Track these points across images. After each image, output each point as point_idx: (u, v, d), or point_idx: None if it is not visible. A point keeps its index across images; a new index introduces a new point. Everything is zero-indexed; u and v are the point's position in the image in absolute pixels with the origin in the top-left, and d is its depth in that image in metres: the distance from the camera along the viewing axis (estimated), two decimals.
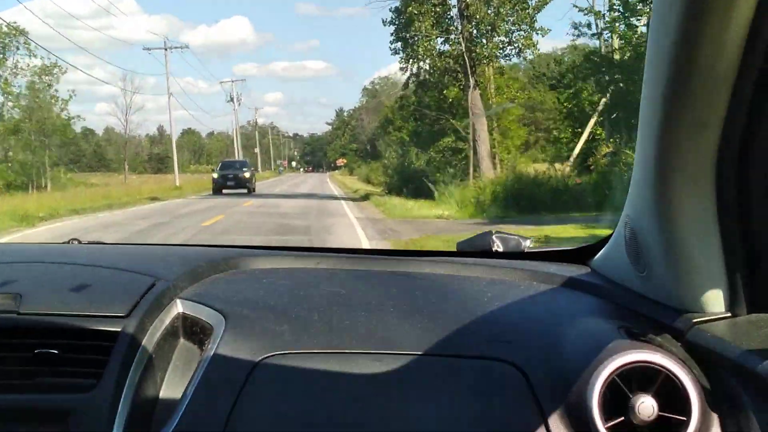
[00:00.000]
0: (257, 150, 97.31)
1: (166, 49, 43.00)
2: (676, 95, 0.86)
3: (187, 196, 32.89)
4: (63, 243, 1.76)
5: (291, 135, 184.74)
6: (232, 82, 69.30)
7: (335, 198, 29.53)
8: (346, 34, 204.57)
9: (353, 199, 28.07)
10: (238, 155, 69.80)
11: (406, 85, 28.01)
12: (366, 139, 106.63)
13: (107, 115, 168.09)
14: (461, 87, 24.16)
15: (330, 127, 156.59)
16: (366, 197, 28.15)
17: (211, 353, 1.13)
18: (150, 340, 1.17)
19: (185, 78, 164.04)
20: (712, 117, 0.87)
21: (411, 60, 24.89)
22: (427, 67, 24.81)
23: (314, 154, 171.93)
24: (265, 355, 1.11)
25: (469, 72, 21.97)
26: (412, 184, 26.07)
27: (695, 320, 1.00)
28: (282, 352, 1.12)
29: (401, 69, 25.92)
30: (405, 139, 36.37)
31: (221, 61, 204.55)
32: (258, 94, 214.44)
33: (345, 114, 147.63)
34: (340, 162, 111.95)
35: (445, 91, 26.17)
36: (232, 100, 69.09)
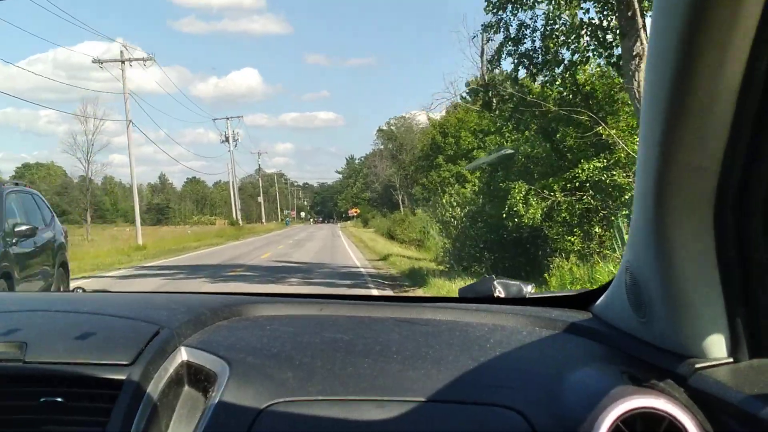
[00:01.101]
0: (260, 199, 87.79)
1: (123, 62, 35.47)
2: (673, 139, 0.86)
3: (123, 266, 21.86)
4: (67, 291, 1.39)
5: (300, 184, 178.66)
6: (227, 119, 60.14)
7: (358, 275, 17.79)
8: (356, 84, 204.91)
9: (392, 280, 16.33)
10: (235, 204, 60.42)
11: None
12: (380, 187, 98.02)
13: (118, 167, 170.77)
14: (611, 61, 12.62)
15: (340, 176, 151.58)
16: (410, 274, 17.00)
17: (216, 401, 1.13)
18: (155, 388, 1.17)
19: (197, 129, 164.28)
20: (709, 160, 0.86)
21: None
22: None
23: (324, 204, 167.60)
24: (270, 403, 1.11)
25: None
26: (506, 254, 15.62)
27: (698, 365, 0.99)
28: (286, 399, 1.11)
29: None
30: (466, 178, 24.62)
31: (231, 111, 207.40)
32: (268, 144, 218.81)
33: (356, 162, 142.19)
34: (353, 212, 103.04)
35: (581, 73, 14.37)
36: (227, 140, 60.16)
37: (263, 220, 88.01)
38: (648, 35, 0.82)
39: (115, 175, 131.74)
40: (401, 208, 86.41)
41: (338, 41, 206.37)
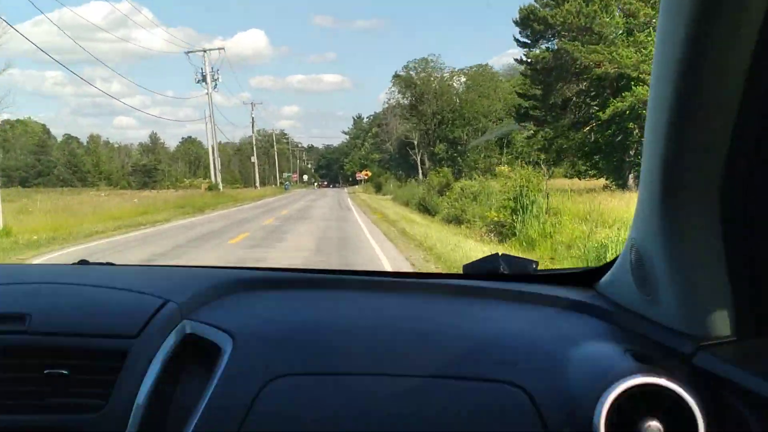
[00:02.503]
0: (254, 159, 74.29)
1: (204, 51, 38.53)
2: (681, 119, 0.85)
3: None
4: (72, 264, 1.72)
5: (305, 146, 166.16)
6: (204, 52, 45.46)
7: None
8: (363, 47, 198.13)
9: None
10: (214, 164, 46.97)
11: None
12: (394, 147, 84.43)
13: (127, 129, 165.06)
14: None
15: (347, 137, 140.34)
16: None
17: (219, 373, 1.13)
18: (159, 361, 1.17)
19: (203, 91, 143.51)
20: (717, 141, 0.86)
21: None
22: None
23: (329, 167, 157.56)
24: (273, 377, 1.11)
25: None
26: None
27: (702, 344, 0.99)
28: (289, 373, 1.11)
29: None
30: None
31: (238, 74, 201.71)
32: (275, 107, 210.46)
33: (364, 121, 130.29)
34: (362, 175, 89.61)
35: None
36: (203, 79, 46.39)
37: (257, 184, 74.43)
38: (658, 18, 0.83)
39: (123, 139, 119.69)
40: (419, 170, 73.30)
41: (345, 2, 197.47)
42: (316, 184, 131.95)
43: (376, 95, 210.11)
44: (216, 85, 46.37)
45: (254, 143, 75.11)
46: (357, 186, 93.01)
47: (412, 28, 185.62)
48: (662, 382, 0.93)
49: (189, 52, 45.08)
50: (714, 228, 0.92)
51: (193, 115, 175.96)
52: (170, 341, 1.21)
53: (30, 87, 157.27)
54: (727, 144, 0.85)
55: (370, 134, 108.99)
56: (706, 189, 0.90)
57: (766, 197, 0.90)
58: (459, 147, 63.78)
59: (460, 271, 1.61)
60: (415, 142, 69.28)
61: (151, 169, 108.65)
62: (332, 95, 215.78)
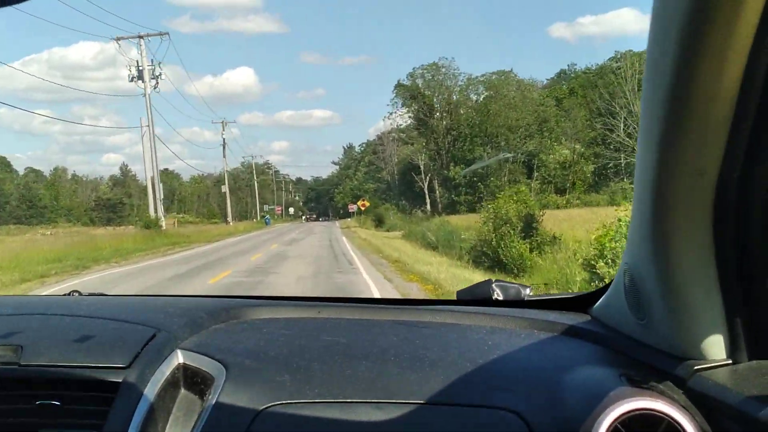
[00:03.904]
0: (225, 189, 60.51)
1: (141, 37, 31.26)
2: (672, 143, 0.84)
3: None
4: (64, 295, 1.71)
5: (293, 179, 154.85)
6: (140, 38, 31.48)
7: None
8: (351, 83, 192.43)
9: None
10: (155, 193, 33.22)
11: None
12: (392, 174, 71.21)
13: (115, 166, 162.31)
14: None
15: (337, 168, 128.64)
16: None
17: (212, 403, 1.11)
18: (151, 391, 1.14)
19: (192, 128, 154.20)
20: (707, 164, 0.85)
21: None
22: None
23: (319, 200, 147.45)
24: (266, 405, 1.09)
25: None
26: None
27: (696, 367, 0.98)
28: (283, 402, 1.09)
29: None
30: None
31: (227, 110, 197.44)
32: (264, 143, 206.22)
33: (356, 150, 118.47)
34: (355, 207, 76.11)
35: None
36: (139, 76, 32.37)
37: (229, 218, 60.39)
38: (647, 39, 0.85)
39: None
40: (427, 199, 59.65)
41: (333, 40, 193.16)
42: (303, 217, 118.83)
43: (366, 130, 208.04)
44: (157, 82, 32.98)
45: (225, 169, 61.19)
46: (350, 219, 79.79)
47: (402, 64, 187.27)
48: (658, 406, 0.92)
49: (120, 38, 31.26)
50: (706, 252, 0.91)
51: (182, 152, 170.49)
52: (162, 371, 1.18)
53: (18, 126, 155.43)
54: (718, 169, 0.85)
55: (362, 163, 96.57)
56: (697, 214, 0.89)
57: (757, 221, 0.89)
58: (479, 170, 50.35)
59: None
60: (422, 166, 55.87)
61: (115, 203, 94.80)
62: (322, 130, 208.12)
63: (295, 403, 1.08)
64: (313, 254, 20.81)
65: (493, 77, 51.20)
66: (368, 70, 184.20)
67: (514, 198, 16.83)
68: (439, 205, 53.84)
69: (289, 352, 1.23)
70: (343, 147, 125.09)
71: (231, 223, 58.52)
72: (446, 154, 52.01)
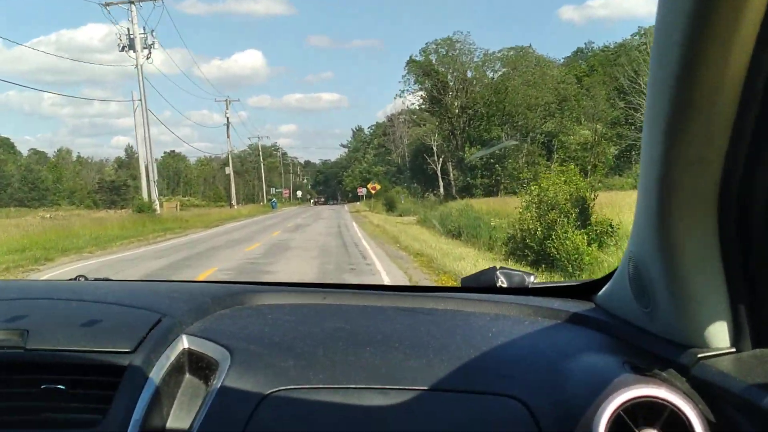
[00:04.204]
0: (229, 170, 57.63)
1: (132, 2, 28.19)
2: (677, 132, 0.85)
3: None
4: (70, 280, 1.71)
5: (301, 162, 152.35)
6: (131, 3, 28.31)
7: None
8: (360, 66, 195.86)
9: None
10: (149, 175, 30.50)
11: None
12: (403, 156, 68.25)
13: (123, 149, 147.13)
14: None
15: (346, 150, 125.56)
16: None
17: (217, 388, 1.12)
18: (156, 376, 1.15)
19: (201, 111, 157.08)
20: (712, 153, 0.86)
21: None
22: None
23: (327, 183, 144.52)
24: (270, 391, 1.09)
25: None
26: None
27: (700, 355, 0.98)
28: (287, 387, 1.10)
29: None
30: None
31: (236, 93, 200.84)
32: (272, 126, 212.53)
33: (366, 132, 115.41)
34: (364, 190, 73.43)
35: None
36: (131, 45, 29.35)
37: (233, 201, 57.64)
38: (653, 29, 0.84)
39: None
40: (440, 182, 56.69)
41: (342, 23, 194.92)
42: (312, 200, 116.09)
43: (374, 113, 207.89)
44: (150, 52, 30.06)
45: (229, 150, 57.84)
46: (358, 203, 77.09)
47: (411, 45, 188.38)
48: (661, 393, 0.92)
49: (109, 4, 28.29)
50: (711, 241, 0.92)
51: (191, 135, 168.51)
52: (168, 356, 1.18)
53: (27, 107, 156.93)
54: (723, 158, 0.85)
55: (372, 145, 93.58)
56: (702, 202, 0.89)
57: (762, 210, 0.89)
58: (497, 151, 47.26)
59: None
60: (434, 147, 52.81)
61: (119, 185, 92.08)
62: (330, 113, 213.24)
63: (299, 388, 1.08)
64: (320, 244, 18.06)
65: (511, 53, 47.94)
66: (377, 53, 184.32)
67: (562, 178, 13.72)
68: (453, 189, 50.85)
69: (293, 337, 1.22)
70: (352, 129, 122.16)
71: (235, 207, 55.77)
72: (461, 135, 48.90)
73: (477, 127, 48.00)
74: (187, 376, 1.19)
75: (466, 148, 47.69)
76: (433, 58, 49.06)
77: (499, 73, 48.66)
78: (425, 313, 1.40)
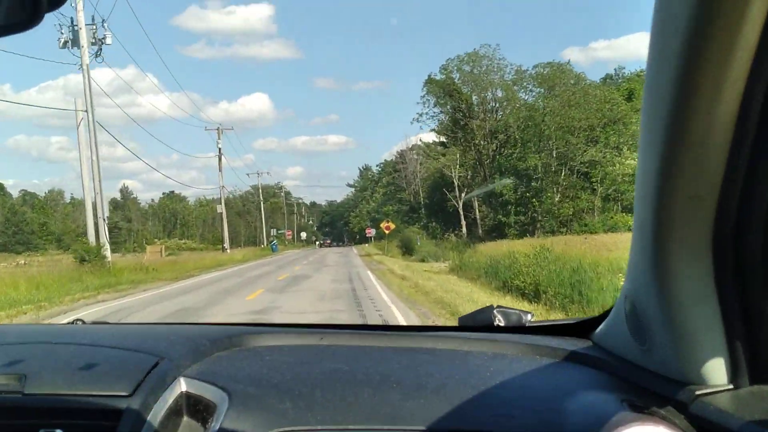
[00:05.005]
0: (221, 209, 49.92)
1: None
2: (670, 169, 0.84)
3: None
4: (67, 323, 1.72)
5: (306, 203, 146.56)
6: None
7: None
8: (365, 108, 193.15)
9: None
10: (102, 218, 22.85)
11: None
12: (420, 193, 60.90)
13: (132, 192, 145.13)
14: None
15: (352, 190, 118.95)
16: None
17: (215, 431, 1.09)
18: (154, 419, 1.14)
19: (208, 153, 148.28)
20: (706, 190, 0.85)
21: None
22: None
23: (333, 225, 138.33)
24: None
25: None
26: None
27: (698, 392, 0.97)
28: (286, 429, 1.08)
29: None
30: None
31: (242, 136, 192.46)
32: (279, 168, 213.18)
33: (373, 170, 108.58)
34: (374, 230, 66.05)
35: None
36: (74, 41, 22.15)
37: (226, 245, 49.75)
38: (645, 69, 0.87)
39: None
40: (462, 220, 48.99)
41: (347, 65, 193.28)
42: (318, 242, 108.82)
43: (380, 155, 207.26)
44: (100, 48, 22.79)
45: (221, 184, 49.91)
46: (367, 244, 69.73)
47: (415, 87, 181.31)
48: (660, 431, 0.92)
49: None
50: (706, 277, 0.92)
51: (198, 178, 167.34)
52: (165, 399, 1.17)
53: (35, 152, 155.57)
54: (718, 194, 0.85)
55: (380, 184, 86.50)
56: (697, 239, 0.89)
57: (757, 247, 0.89)
58: (533, 183, 39.68)
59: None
60: (455, 181, 45.33)
61: (110, 228, 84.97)
62: (336, 155, 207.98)
63: (298, 430, 1.07)
64: (323, 319, 10.19)
65: (546, 70, 40.80)
66: (382, 94, 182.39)
67: None
68: (480, 228, 43.15)
69: (291, 379, 1.22)
70: (359, 168, 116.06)
71: (228, 251, 47.95)
72: (490, 164, 41.50)
73: (509, 155, 40.55)
74: (185, 418, 1.18)
75: (496, 179, 40.17)
76: (455, 76, 41.95)
77: (533, 93, 41.40)
78: (423, 352, 1.38)
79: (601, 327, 1.34)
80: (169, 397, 1.17)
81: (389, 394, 1.15)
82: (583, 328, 1.43)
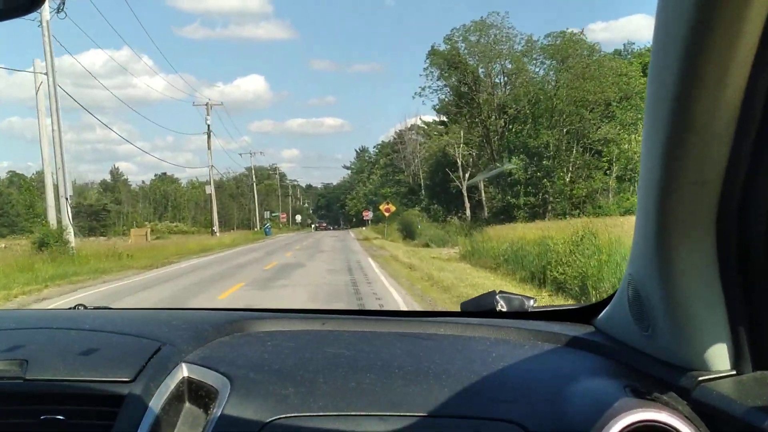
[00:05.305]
0: (210, 190, 46.89)
1: None
2: (675, 154, 0.85)
3: None
4: (69, 309, 1.70)
5: (302, 186, 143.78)
6: None
7: None
8: (362, 90, 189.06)
9: None
10: (66, 198, 19.76)
11: None
12: (421, 174, 57.99)
13: (127, 175, 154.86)
14: None
15: (349, 172, 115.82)
16: None
17: (217, 416, 1.10)
18: (156, 404, 1.13)
19: (202, 135, 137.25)
20: (710, 175, 0.86)
21: None
22: None
23: (329, 208, 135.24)
24: (271, 418, 1.08)
25: None
26: None
27: (701, 378, 0.97)
28: (288, 415, 1.08)
29: None
30: None
31: (238, 118, 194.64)
32: (275, 151, 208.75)
33: (370, 152, 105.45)
34: (372, 213, 63.28)
35: None
36: None
37: (215, 228, 46.80)
38: (650, 54, 0.87)
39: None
40: (466, 202, 46.15)
41: (344, 47, 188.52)
42: (313, 225, 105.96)
43: (377, 137, 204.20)
44: (63, 4, 19.64)
45: (210, 163, 46.49)
46: (364, 228, 66.97)
47: (412, 70, 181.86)
48: (662, 417, 0.92)
49: None
50: (710, 263, 0.92)
51: (193, 161, 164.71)
52: (167, 384, 1.17)
53: (29, 135, 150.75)
54: (721, 179, 0.85)
55: (378, 165, 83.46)
56: (701, 224, 0.89)
57: (761, 232, 0.89)
58: (544, 162, 36.77)
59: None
60: (459, 161, 42.40)
61: (98, 210, 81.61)
62: (333, 138, 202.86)
63: (300, 416, 1.07)
64: None
65: (558, 41, 37.70)
66: (379, 77, 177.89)
67: None
68: (486, 211, 40.27)
69: (293, 364, 1.22)
70: (356, 150, 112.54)
71: (217, 234, 45.01)
72: (499, 141, 38.52)
73: (519, 131, 37.60)
74: (187, 404, 1.18)
75: (504, 158, 37.26)
76: (461, 46, 38.79)
77: (545, 65, 38.34)
78: (425, 338, 1.38)
79: (603, 312, 1.32)
80: (171, 383, 1.17)
81: (391, 380, 1.14)
82: (585, 314, 1.41)
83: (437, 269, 15.51)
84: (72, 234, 19.99)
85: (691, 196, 0.86)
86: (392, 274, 15.25)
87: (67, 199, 19.63)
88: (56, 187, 20.06)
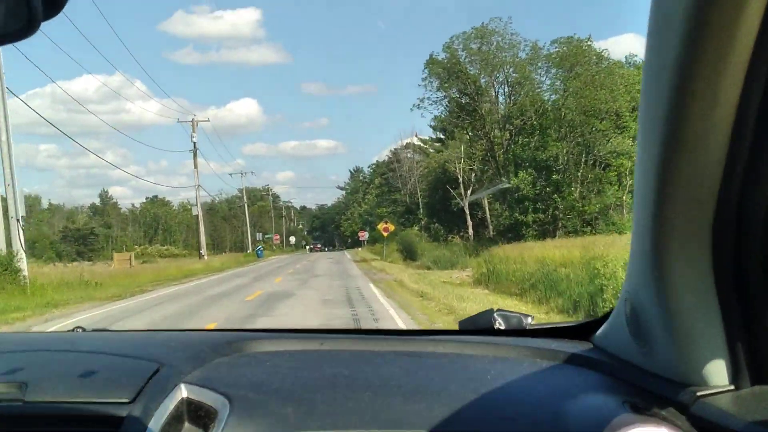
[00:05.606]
0: (196, 211, 44.05)
1: None
2: (669, 173, 0.84)
3: None
4: (67, 331, 1.70)
5: (296, 207, 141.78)
6: None
7: None
8: (355, 112, 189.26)
9: None
10: (17, 223, 16.86)
11: None
12: (418, 193, 55.42)
13: (122, 199, 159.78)
14: None
15: (343, 193, 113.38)
16: None
17: None
18: (155, 425, 1.14)
19: (198, 160, 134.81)
20: (706, 193, 0.86)
21: None
22: None
23: (324, 229, 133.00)
24: None
25: None
26: None
27: (699, 393, 0.96)
28: None
29: None
30: None
31: (231, 142, 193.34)
32: (269, 174, 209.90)
33: (365, 171, 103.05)
34: (367, 233, 60.75)
35: None
36: None
37: (203, 251, 43.90)
38: (642, 73, 0.87)
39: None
40: (468, 221, 43.35)
41: (336, 69, 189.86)
42: (308, 247, 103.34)
43: (371, 158, 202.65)
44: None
45: (197, 182, 43.47)
46: (360, 249, 64.43)
47: (405, 91, 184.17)
48: None
49: None
50: (706, 278, 0.92)
51: (187, 183, 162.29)
52: (166, 406, 1.17)
53: (23, 160, 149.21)
54: (716, 196, 0.85)
55: (373, 185, 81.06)
56: (697, 241, 0.89)
57: (757, 248, 0.89)
58: (554, 176, 34.19)
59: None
60: (460, 177, 39.85)
61: (86, 234, 78.42)
62: (326, 159, 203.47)
63: None
64: None
65: (563, 47, 35.33)
66: (372, 98, 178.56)
67: None
68: (491, 229, 37.58)
69: (292, 384, 1.22)
70: (350, 171, 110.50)
71: (205, 257, 42.08)
72: (504, 155, 35.96)
73: (526, 144, 35.05)
74: (186, 425, 1.17)
75: (510, 173, 34.66)
76: (461, 54, 36.32)
77: (551, 73, 35.91)
78: (424, 356, 1.38)
79: (601, 329, 1.32)
80: (170, 404, 1.17)
81: (390, 399, 1.14)
82: (583, 331, 1.41)
83: (456, 298, 12.75)
84: (24, 261, 17.16)
85: (686, 213, 0.86)
86: (402, 305, 12.48)
87: (18, 220, 16.80)
88: (5, 208, 17.18)
